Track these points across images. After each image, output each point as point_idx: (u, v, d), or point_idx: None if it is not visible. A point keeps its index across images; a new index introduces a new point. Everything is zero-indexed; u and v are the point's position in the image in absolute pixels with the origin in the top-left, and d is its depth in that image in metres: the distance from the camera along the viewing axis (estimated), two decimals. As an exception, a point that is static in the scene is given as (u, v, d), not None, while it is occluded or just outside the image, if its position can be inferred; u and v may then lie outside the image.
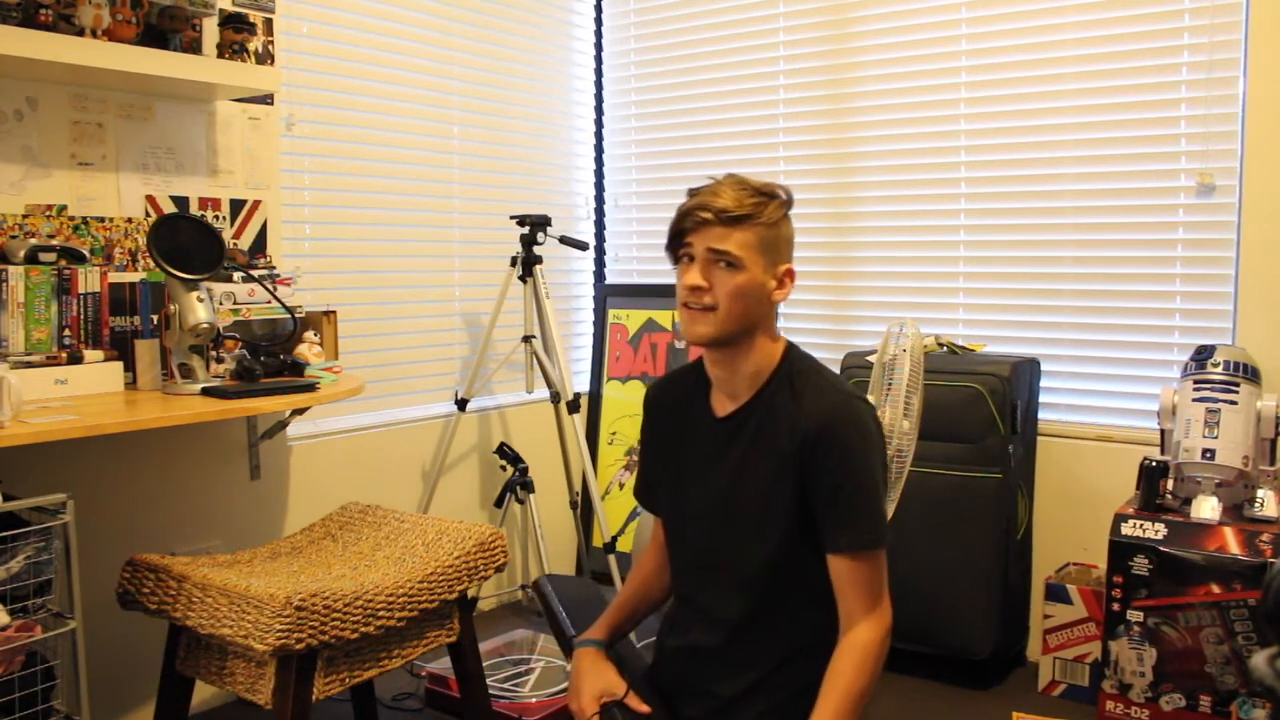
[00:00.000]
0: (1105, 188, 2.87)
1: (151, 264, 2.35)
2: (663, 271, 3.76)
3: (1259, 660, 1.39)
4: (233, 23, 2.61)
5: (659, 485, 1.72)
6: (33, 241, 2.26)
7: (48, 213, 2.35)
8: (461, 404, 3.24)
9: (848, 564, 1.47)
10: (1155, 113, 2.78)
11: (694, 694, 1.60)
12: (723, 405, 1.60)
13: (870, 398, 2.19)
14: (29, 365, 2.14)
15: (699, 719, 1.59)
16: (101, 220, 2.44)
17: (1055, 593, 2.73)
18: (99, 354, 2.27)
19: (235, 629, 1.80)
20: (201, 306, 2.26)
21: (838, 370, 3.00)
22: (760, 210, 1.52)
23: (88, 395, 2.21)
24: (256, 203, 2.76)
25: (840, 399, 1.51)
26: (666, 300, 3.66)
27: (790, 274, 1.61)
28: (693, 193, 1.55)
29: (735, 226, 1.50)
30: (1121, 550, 2.42)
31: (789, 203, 1.61)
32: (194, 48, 2.49)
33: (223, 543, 2.68)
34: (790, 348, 1.61)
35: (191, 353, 2.32)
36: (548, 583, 1.92)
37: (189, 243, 2.29)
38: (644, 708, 1.58)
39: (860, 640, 1.46)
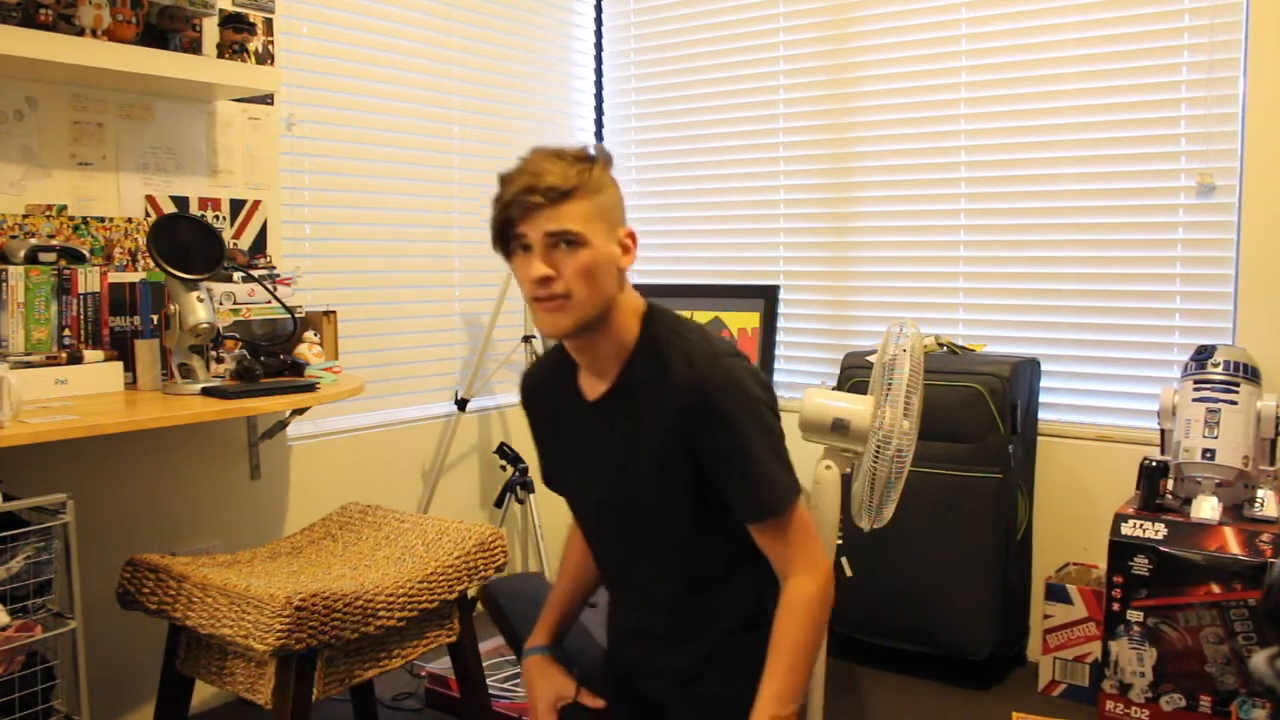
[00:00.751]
0: (1105, 188, 2.87)
1: (151, 264, 2.35)
2: (663, 271, 3.76)
3: (1259, 660, 1.39)
4: (233, 23, 2.61)
5: (560, 473, 1.69)
6: (33, 241, 2.26)
7: (48, 213, 2.35)
8: (461, 404, 3.24)
9: (760, 531, 1.46)
10: (1155, 113, 2.78)
11: (648, 673, 1.60)
12: (593, 387, 1.54)
13: (870, 398, 2.19)
14: (29, 365, 2.14)
15: (658, 694, 1.58)
16: (101, 220, 2.44)
17: (1055, 593, 2.73)
18: (99, 354, 2.27)
19: (235, 629, 1.80)
20: (201, 306, 2.26)
21: (837, 371, 3.00)
22: (588, 178, 1.40)
23: (88, 395, 2.21)
24: (256, 203, 2.76)
25: (706, 364, 1.43)
26: (667, 300, 3.65)
27: (632, 236, 1.48)
28: (507, 178, 1.42)
29: (567, 201, 1.38)
30: (1121, 550, 2.42)
31: (610, 161, 1.48)
32: (194, 48, 2.49)
33: (223, 543, 2.68)
34: (649, 312, 1.52)
35: (191, 353, 2.32)
36: (498, 592, 1.89)
37: (189, 243, 2.29)
38: (597, 702, 1.58)
39: (796, 597, 1.44)
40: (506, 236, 1.41)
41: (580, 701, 1.58)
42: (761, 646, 1.46)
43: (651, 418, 1.45)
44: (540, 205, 1.37)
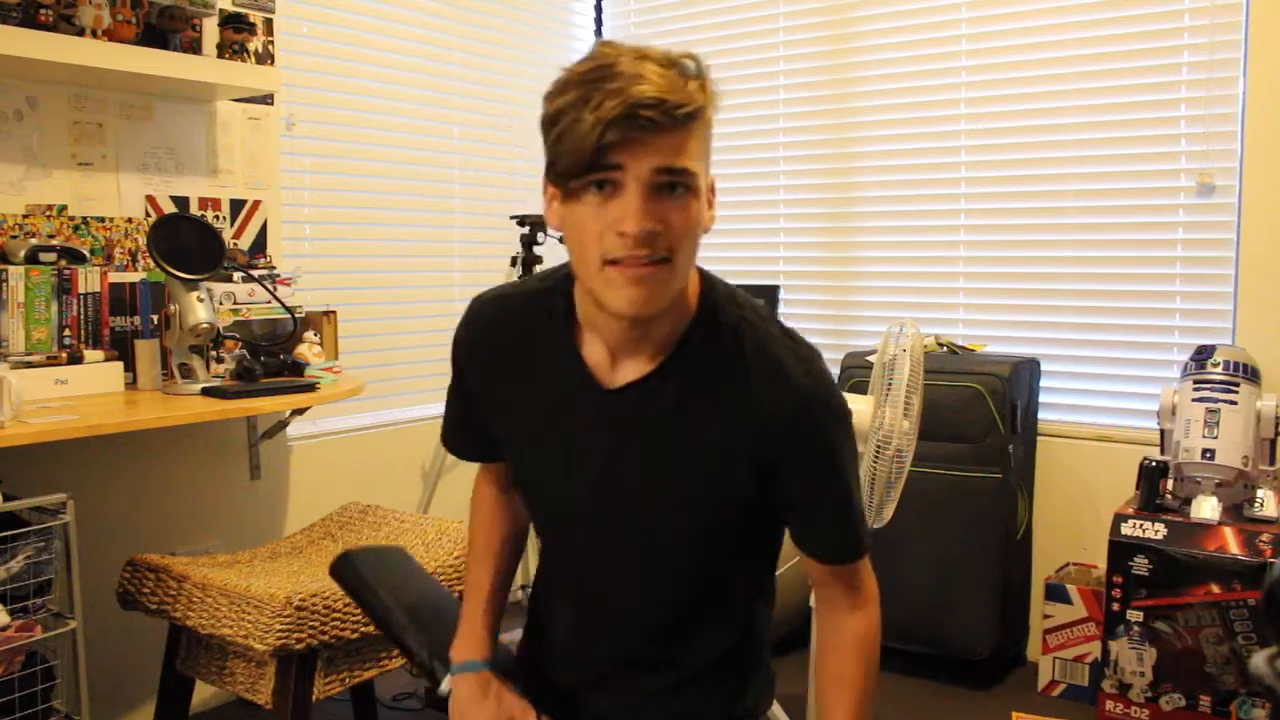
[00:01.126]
0: (1105, 188, 2.87)
1: (151, 264, 2.35)
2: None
3: (1259, 660, 1.39)
4: (233, 23, 2.61)
5: (522, 469, 1.30)
6: (33, 241, 2.26)
7: (48, 213, 2.35)
8: (461, 404, 3.24)
9: (830, 570, 1.24)
10: (1155, 113, 2.78)
11: (598, 691, 1.30)
12: (615, 369, 1.16)
13: (870, 398, 2.19)
14: (29, 365, 2.14)
15: (607, 712, 1.30)
16: (101, 220, 2.44)
17: (1055, 593, 2.73)
18: (99, 354, 2.27)
19: (235, 629, 1.80)
20: (201, 306, 2.26)
21: (837, 370, 3.00)
22: (709, 96, 1.04)
23: (88, 395, 2.21)
24: (256, 203, 2.76)
25: (801, 368, 1.14)
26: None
27: (714, 189, 1.12)
28: (590, 80, 1.00)
29: (688, 128, 1.02)
30: (1121, 550, 2.42)
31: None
32: (194, 48, 2.49)
33: (223, 543, 2.68)
34: (706, 281, 1.17)
35: (191, 353, 2.32)
36: (356, 562, 1.49)
37: (189, 243, 2.29)
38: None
39: (862, 634, 1.27)
40: (592, 167, 1.01)
41: None
42: (743, 665, 1.29)
43: (712, 428, 1.14)
44: (658, 128, 0.99)
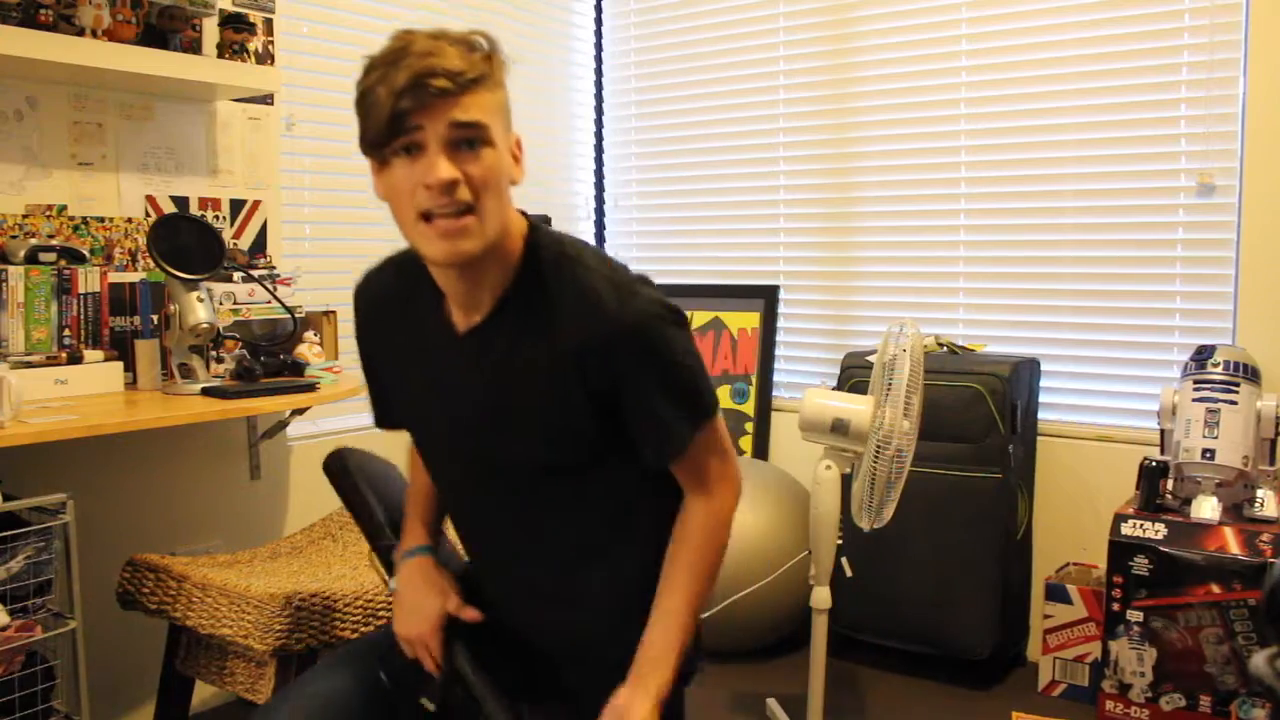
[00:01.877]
0: (1105, 188, 2.87)
1: (151, 264, 2.35)
2: (663, 271, 3.76)
3: (1259, 660, 1.39)
4: (233, 23, 2.61)
5: (407, 415, 1.43)
6: (33, 241, 2.26)
7: (48, 213, 2.35)
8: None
9: (674, 469, 1.30)
10: (1155, 113, 2.78)
11: (537, 630, 1.40)
12: (463, 317, 1.29)
13: (870, 398, 2.19)
14: (29, 365, 2.14)
15: (550, 651, 1.40)
16: (101, 220, 2.44)
17: (1055, 593, 2.73)
18: (99, 354, 2.27)
19: (235, 629, 1.80)
20: (201, 306, 2.26)
21: (837, 371, 3.00)
22: (492, 65, 1.19)
23: (88, 395, 2.21)
24: (256, 203, 2.76)
25: (622, 300, 1.21)
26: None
27: (519, 144, 1.26)
28: (387, 61, 1.15)
29: (473, 90, 1.15)
30: (1121, 550, 2.42)
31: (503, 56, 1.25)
32: (194, 48, 2.49)
33: (223, 543, 2.68)
34: (532, 232, 1.28)
35: (191, 353, 2.32)
36: (352, 458, 1.58)
37: (189, 243, 2.29)
38: (474, 615, 1.36)
39: (696, 520, 1.30)
40: (395, 131, 1.14)
41: (462, 616, 1.35)
42: (644, 597, 1.32)
43: (543, 362, 1.23)
44: (446, 91, 1.13)
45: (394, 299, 1.37)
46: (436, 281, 1.28)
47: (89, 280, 2.29)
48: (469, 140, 1.15)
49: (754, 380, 3.44)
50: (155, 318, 2.40)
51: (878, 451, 2.12)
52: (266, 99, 2.76)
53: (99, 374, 2.25)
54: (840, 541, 2.28)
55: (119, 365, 2.30)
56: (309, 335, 2.67)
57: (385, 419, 1.51)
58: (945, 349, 2.96)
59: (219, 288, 2.48)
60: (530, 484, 1.31)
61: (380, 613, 1.89)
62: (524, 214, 1.29)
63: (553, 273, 1.24)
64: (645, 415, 1.25)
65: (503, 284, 1.25)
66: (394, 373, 1.41)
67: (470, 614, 1.37)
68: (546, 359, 1.23)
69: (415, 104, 1.12)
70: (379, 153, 1.18)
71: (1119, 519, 2.45)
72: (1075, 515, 2.92)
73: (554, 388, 1.23)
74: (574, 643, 1.39)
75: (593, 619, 1.36)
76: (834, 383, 3.04)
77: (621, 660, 1.29)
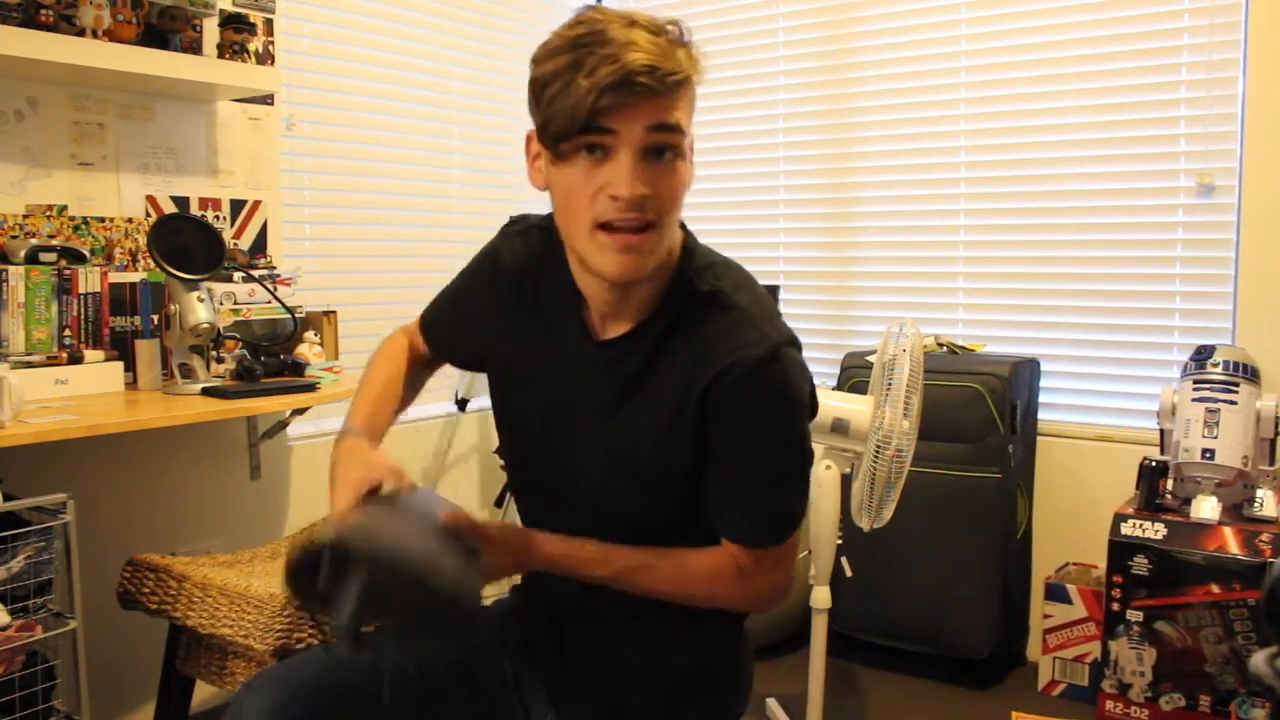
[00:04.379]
0: (1105, 188, 2.87)
1: (152, 264, 2.35)
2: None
3: (1259, 660, 1.39)
4: (233, 23, 2.61)
5: (513, 402, 1.31)
6: (33, 241, 2.26)
7: (48, 213, 2.35)
8: (461, 404, 3.24)
9: (726, 546, 1.20)
10: (1155, 113, 2.78)
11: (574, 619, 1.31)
12: (603, 326, 1.21)
13: (870, 398, 2.19)
14: (29, 365, 2.14)
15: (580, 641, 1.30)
16: (102, 220, 2.44)
17: (1055, 592, 2.73)
18: (99, 354, 2.27)
19: (235, 629, 1.80)
20: (202, 306, 2.27)
21: (837, 371, 3.00)
22: (695, 63, 1.08)
23: (88, 395, 2.21)
24: (256, 203, 2.76)
25: (766, 363, 1.12)
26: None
27: (692, 146, 1.15)
28: (577, 43, 1.04)
29: (678, 92, 1.06)
30: (1121, 550, 2.42)
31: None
32: (194, 48, 2.49)
33: (223, 543, 2.68)
34: (686, 246, 1.19)
35: (192, 353, 2.32)
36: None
37: (189, 243, 2.29)
38: (403, 481, 1.14)
39: (715, 565, 1.19)
40: (588, 129, 1.03)
41: (383, 485, 1.12)
42: (699, 629, 1.26)
43: (668, 380, 1.15)
44: (654, 91, 1.02)
45: (543, 288, 1.24)
46: (577, 282, 1.19)
47: (89, 280, 2.29)
48: (664, 148, 1.06)
49: (754, 380, 3.43)
50: (155, 318, 2.40)
51: (877, 451, 2.12)
52: (266, 99, 2.76)
53: (99, 374, 2.25)
54: (840, 541, 2.29)
55: (119, 365, 2.30)
56: (309, 335, 2.67)
57: (440, 346, 1.43)
58: (945, 349, 2.96)
59: (219, 288, 2.48)
60: (608, 511, 1.23)
61: (380, 613, 1.89)
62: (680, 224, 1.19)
63: (701, 309, 1.16)
64: (730, 490, 1.17)
65: (651, 302, 1.16)
66: (504, 346, 1.30)
67: (399, 481, 1.15)
68: (672, 396, 1.15)
69: (617, 102, 1.02)
70: (558, 147, 1.06)
71: (1119, 519, 2.45)
72: (1075, 515, 2.92)
73: (670, 426, 1.16)
74: (616, 650, 1.31)
75: (640, 630, 1.28)
76: (834, 383, 3.04)
77: (652, 676, 1.25)
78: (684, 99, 1.07)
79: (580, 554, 1.19)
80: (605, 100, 1.01)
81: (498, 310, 1.30)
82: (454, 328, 1.41)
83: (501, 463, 3.31)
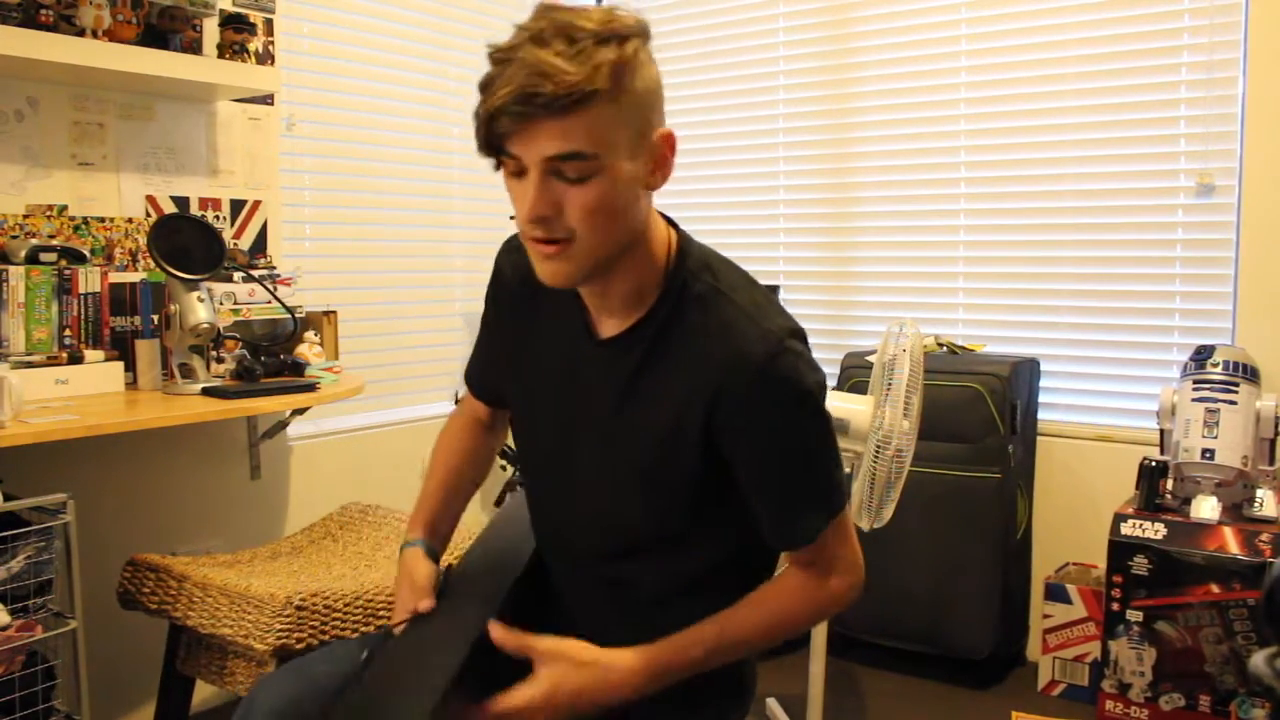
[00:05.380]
0: (1105, 188, 2.87)
1: (152, 264, 2.35)
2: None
3: (1258, 660, 1.39)
4: (233, 23, 2.61)
5: (521, 412, 1.34)
6: (33, 241, 2.26)
7: (48, 213, 2.35)
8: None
9: (789, 555, 1.22)
10: (1155, 113, 2.78)
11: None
12: (604, 324, 1.20)
13: (870, 398, 2.19)
14: (29, 365, 2.14)
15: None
16: (102, 220, 2.44)
17: (1055, 592, 2.73)
18: (99, 354, 2.27)
19: (235, 629, 1.80)
20: (202, 306, 2.27)
21: (837, 370, 3.00)
22: (613, 75, 1.00)
23: (88, 395, 2.21)
24: (256, 203, 2.76)
25: (771, 356, 1.10)
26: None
27: (669, 141, 1.12)
28: (497, 66, 1.00)
29: (579, 111, 0.99)
30: (1121, 550, 2.42)
31: (648, 34, 1.07)
32: (194, 48, 2.49)
33: (223, 543, 2.68)
34: (681, 247, 1.19)
35: (192, 353, 2.32)
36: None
37: (189, 243, 2.29)
38: (427, 603, 1.25)
39: (822, 585, 1.20)
40: (495, 151, 1.05)
41: (419, 609, 1.26)
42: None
43: (671, 383, 1.14)
44: (534, 117, 0.98)
45: (535, 281, 1.19)
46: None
47: (89, 280, 2.29)
48: (570, 170, 1.02)
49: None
50: (156, 318, 2.40)
51: (877, 451, 2.12)
52: (266, 99, 2.77)
53: (99, 374, 2.25)
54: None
55: (119, 365, 2.30)
56: (309, 335, 2.67)
57: (480, 388, 1.45)
58: (945, 349, 2.96)
59: (219, 288, 2.48)
60: (611, 512, 1.23)
61: (380, 612, 1.89)
62: (669, 220, 1.20)
63: (699, 307, 1.14)
64: (772, 493, 1.16)
65: (641, 301, 1.16)
66: (515, 355, 1.31)
67: (425, 605, 1.26)
68: (671, 399, 1.14)
69: (514, 127, 1.00)
70: (491, 157, 1.08)
71: (1118, 519, 2.45)
72: (1075, 515, 2.92)
73: (670, 429, 1.14)
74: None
75: (642, 632, 1.23)
76: (834, 383, 3.04)
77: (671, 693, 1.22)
78: (593, 116, 1.00)
79: (669, 656, 1.16)
80: (502, 125, 1.00)
81: (508, 320, 1.32)
82: (489, 367, 1.41)
83: (503, 463, 3.31)
